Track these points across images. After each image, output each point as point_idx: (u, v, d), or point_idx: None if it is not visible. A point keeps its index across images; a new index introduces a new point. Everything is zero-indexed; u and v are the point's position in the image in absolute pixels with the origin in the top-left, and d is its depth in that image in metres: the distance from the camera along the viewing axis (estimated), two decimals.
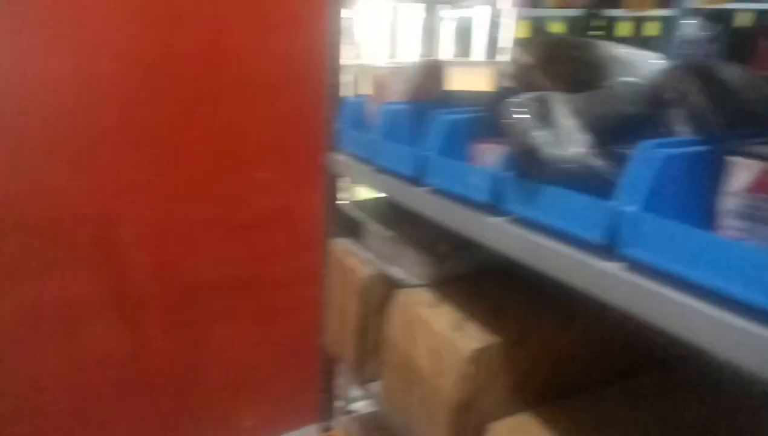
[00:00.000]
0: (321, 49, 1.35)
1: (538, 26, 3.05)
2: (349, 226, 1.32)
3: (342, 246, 1.29)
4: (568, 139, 0.69)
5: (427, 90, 1.16)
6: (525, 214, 0.72)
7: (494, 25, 2.86)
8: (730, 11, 3.17)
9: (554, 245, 0.67)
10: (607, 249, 0.60)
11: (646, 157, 0.58)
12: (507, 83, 1.46)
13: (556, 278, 0.67)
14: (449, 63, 2.69)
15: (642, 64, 1.26)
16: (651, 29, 3.17)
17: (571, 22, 3.02)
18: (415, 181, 0.96)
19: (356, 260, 1.22)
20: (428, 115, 0.95)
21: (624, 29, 3.13)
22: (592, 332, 0.87)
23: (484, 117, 0.97)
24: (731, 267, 0.48)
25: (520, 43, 2.71)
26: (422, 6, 2.67)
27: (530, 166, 0.70)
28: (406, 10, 2.93)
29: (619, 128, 0.76)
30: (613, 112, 0.79)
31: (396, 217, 1.17)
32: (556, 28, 3.06)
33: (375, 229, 1.17)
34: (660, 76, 0.82)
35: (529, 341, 0.85)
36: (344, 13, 1.37)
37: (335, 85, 1.34)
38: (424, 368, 0.93)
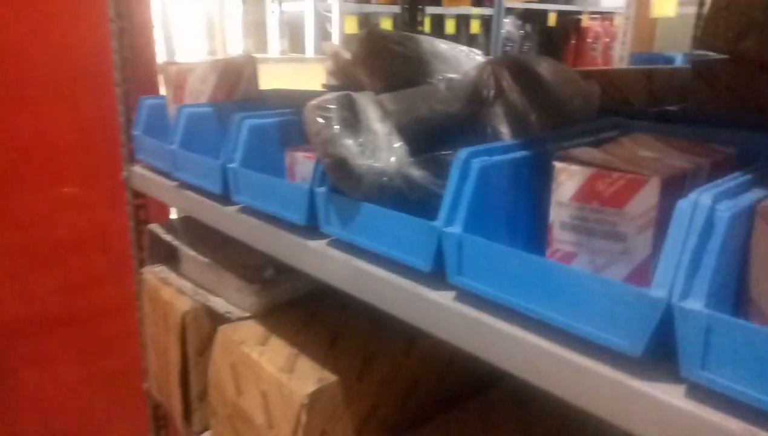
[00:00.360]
0: (105, 41, 1.11)
1: (365, 22, 3.00)
2: (163, 250, 1.10)
3: (155, 275, 1.08)
4: (381, 147, 0.58)
5: (235, 90, 0.99)
6: (346, 237, 0.60)
7: (325, 20, 2.73)
8: (543, 11, 3.41)
9: (378, 273, 0.55)
10: (439, 277, 0.50)
11: (462, 169, 0.48)
12: (329, 81, 1.34)
13: (384, 310, 0.56)
14: (268, 59, 2.50)
15: (466, 61, 1.21)
16: (475, 27, 3.29)
17: (398, 18, 3.01)
18: (223, 198, 0.80)
19: (172, 291, 1.02)
20: (234, 120, 0.79)
21: (450, 27, 3.21)
22: (436, 351, 0.79)
23: (299, 120, 0.83)
24: (554, 293, 0.41)
25: (345, 39, 2.63)
26: None
27: (342, 181, 0.57)
28: (229, 1, 2.68)
29: (440, 131, 0.66)
30: (431, 112, 0.69)
31: (215, 238, 0.99)
32: (385, 24, 3.04)
33: (190, 254, 0.98)
34: (475, 72, 0.74)
35: (372, 372, 0.74)
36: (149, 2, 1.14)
37: (128, 83, 1.10)
38: (255, 417, 0.78)
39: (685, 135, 0.58)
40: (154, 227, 1.07)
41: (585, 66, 3.71)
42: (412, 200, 0.58)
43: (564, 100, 0.67)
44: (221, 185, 0.78)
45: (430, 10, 3.07)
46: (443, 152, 0.61)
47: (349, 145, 0.56)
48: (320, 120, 0.56)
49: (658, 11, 1.79)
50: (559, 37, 3.73)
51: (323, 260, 0.62)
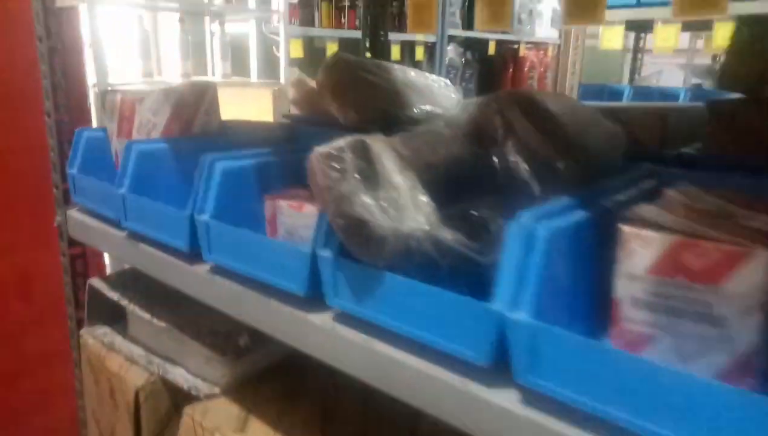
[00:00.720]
0: (32, 64, 0.93)
1: (309, 45, 2.90)
2: (106, 308, 0.93)
3: (98, 339, 0.90)
4: (405, 204, 0.47)
5: (193, 122, 0.85)
6: (362, 313, 0.49)
7: (271, 43, 2.60)
8: (484, 40, 3.46)
9: (411, 363, 0.44)
10: (497, 371, 0.40)
11: (526, 238, 0.39)
12: (291, 111, 1.22)
13: (422, 409, 0.45)
14: (221, 84, 2.34)
15: (439, 92, 1.13)
16: (419, 54, 3.29)
17: (343, 42, 2.94)
18: (190, 256, 0.66)
19: (121, 359, 0.85)
20: (199, 160, 0.66)
21: (396, 53, 3.18)
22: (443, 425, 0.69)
23: (278, 161, 0.71)
24: (680, 411, 0.32)
25: (295, 63, 2.50)
26: (180, 16, 2.26)
27: (360, 246, 0.46)
28: (165, 20, 2.49)
29: (450, 178, 0.57)
30: (437, 156, 0.59)
31: (171, 294, 0.84)
32: (331, 48, 2.95)
33: (144, 317, 0.82)
34: (476, 109, 0.64)
35: None
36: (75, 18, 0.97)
37: (61, 113, 0.93)
38: None
39: (732, 186, 0.51)
40: (96, 282, 0.90)
41: None
42: (442, 267, 0.48)
43: (589, 143, 0.60)
44: (188, 241, 0.65)
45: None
46: (469, 206, 0.52)
47: (369, 203, 0.45)
48: (333, 172, 0.45)
49: (606, 44, 1.82)
50: (498, 66, 3.79)
51: (332, 340, 0.50)
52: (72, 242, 0.94)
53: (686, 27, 1.73)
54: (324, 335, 0.51)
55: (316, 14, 3.04)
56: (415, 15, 1.32)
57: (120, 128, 0.85)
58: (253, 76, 2.63)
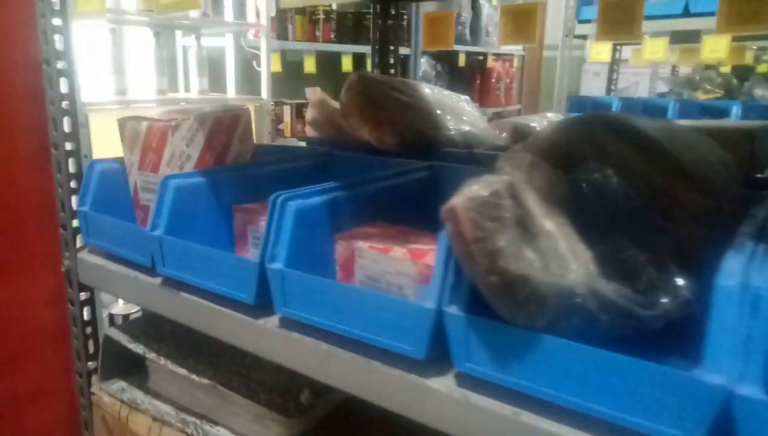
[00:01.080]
0: (35, 88, 0.81)
1: (285, 59, 2.80)
2: (119, 358, 0.81)
3: (115, 396, 0.78)
4: (564, 255, 0.40)
5: (227, 151, 0.75)
6: (505, 381, 0.41)
7: (250, 57, 2.49)
8: (454, 52, 3.46)
9: None
10: None
11: (751, 301, 0.33)
12: (308, 132, 1.12)
13: None
14: (181, 99, 2.19)
15: (468, 110, 1.07)
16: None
17: (320, 56, 2.86)
18: (255, 308, 0.57)
19: (147, 420, 0.73)
20: (269, 200, 0.56)
21: (369, 66, 3.12)
22: None
23: (348, 196, 0.63)
24: None
25: (273, 77, 2.40)
26: (153, 31, 2.12)
27: (516, 306, 0.39)
28: (133, 35, 2.33)
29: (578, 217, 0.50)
30: (549, 191, 0.52)
31: (206, 346, 0.74)
32: (309, 63, 2.85)
33: (179, 372, 0.71)
34: (556, 132, 0.58)
35: None
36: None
37: (69, 143, 0.81)
38: None
39: None
40: (114, 333, 0.78)
41: (491, 104, 3.81)
42: (600, 325, 0.41)
43: (706, 172, 0.55)
44: (255, 292, 0.55)
45: (354, 48, 2.94)
46: (615, 251, 0.45)
47: (531, 257, 0.38)
48: (486, 223, 0.38)
49: (595, 56, 1.83)
50: (468, 76, 3.80)
51: (463, 410, 0.43)
52: (82, 288, 0.82)
53: (674, 40, 1.76)
54: (451, 404, 0.43)
55: (290, 27, 2.94)
56: (430, 30, 1.26)
57: (144, 160, 0.74)
58: (231, 92, 2.50)
